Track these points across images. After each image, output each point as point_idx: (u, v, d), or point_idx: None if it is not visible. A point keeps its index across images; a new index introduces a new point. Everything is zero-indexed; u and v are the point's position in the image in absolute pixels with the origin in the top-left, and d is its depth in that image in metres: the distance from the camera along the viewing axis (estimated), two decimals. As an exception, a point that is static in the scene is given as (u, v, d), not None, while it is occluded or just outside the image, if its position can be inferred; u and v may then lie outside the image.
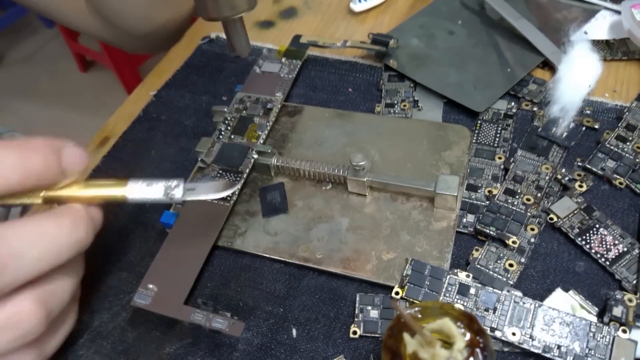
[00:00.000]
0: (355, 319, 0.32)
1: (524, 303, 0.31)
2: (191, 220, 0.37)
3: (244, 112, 0.42)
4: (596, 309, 0.31)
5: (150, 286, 0.33)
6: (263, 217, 0.37)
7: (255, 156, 0.39)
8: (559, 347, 0.30)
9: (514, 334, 0.30)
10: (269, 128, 0.41)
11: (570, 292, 0.32)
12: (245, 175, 0.38)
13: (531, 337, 0.30)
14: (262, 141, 0.40)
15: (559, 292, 0.32)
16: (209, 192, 0.32)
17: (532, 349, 0.30)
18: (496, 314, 0.31)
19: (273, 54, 0.47)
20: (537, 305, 0.31)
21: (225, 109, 0.43)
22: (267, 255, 0.36)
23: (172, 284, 0.33)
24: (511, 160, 0.38)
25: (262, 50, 0.48)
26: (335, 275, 0.35)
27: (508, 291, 0.32)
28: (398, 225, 0.36)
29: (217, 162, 0.39)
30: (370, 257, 0.34)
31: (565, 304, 0.32)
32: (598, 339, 0.30)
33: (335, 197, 0.38)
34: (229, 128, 0.41)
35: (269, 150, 0.39)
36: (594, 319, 0.31)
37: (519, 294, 0.32)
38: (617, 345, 0.29)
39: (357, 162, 0.36)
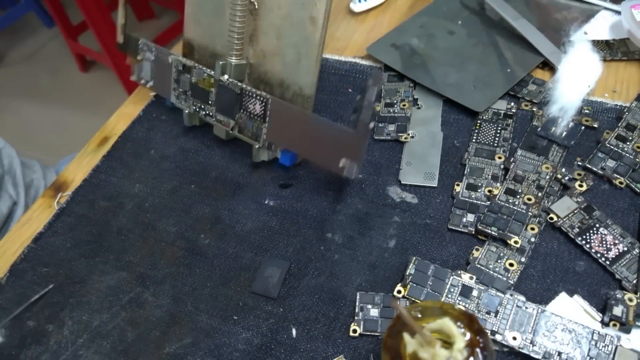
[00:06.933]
0: (356, 318, 0.32)
1: (526, 307, 0.31)
2: None
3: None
4: (600, 315, 0.31)
5: None
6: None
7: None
8: (559, 354, 0.29)
9: (514, 338, 0.30)
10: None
11: (575, 296, 0.32)
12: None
13: (532, 342, 0.30)
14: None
15: (563, 296, 0.32)
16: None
17: (532, 355, 0.29)
18: (497, 317, 0.31)
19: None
20: (539, 310, 0.31)
21: None
22: None
23: None
24: (511, 160, 0.38)
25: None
26: (335, 275, 0.35)
27: (511, 295, 0.31)
28: None
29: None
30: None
31: (569, 309, 0.31)
32: (600, 348, 0.29)
33: None
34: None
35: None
36: (598, 326, 0.30)
37: (522, 298, 0.31)
38: (619, 355, 0.29)
39: None
